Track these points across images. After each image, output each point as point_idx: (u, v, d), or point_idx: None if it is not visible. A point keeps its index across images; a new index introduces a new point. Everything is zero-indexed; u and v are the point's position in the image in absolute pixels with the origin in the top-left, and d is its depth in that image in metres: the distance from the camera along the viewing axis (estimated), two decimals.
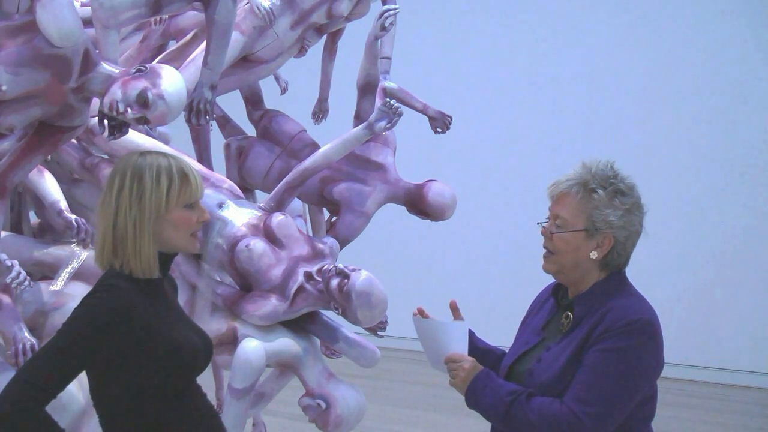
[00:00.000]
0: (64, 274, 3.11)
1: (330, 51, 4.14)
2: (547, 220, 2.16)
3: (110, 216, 1.95)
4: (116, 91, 2.61)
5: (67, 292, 3.06)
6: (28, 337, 2.70)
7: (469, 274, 8.15)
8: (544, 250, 2.16)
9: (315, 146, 3.70)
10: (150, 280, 1.98)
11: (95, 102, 2.84)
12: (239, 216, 3.22)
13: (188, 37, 3.68)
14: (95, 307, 1.88)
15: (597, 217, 2.07)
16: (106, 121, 2.71)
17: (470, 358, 2.15)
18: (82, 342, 1.85)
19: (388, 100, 3.30)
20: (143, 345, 1.90)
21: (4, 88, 2.50)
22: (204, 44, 3.10)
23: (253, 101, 4.02)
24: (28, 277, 2.67)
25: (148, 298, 1.96)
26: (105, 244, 1.96)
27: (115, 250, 1.94)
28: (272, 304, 3.04)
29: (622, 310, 2.03)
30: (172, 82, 2.62)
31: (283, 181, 3.34)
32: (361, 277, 2.93)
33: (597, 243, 2.08)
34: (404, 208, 3.75)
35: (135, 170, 1.95)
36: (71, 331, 1.87)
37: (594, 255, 2.08)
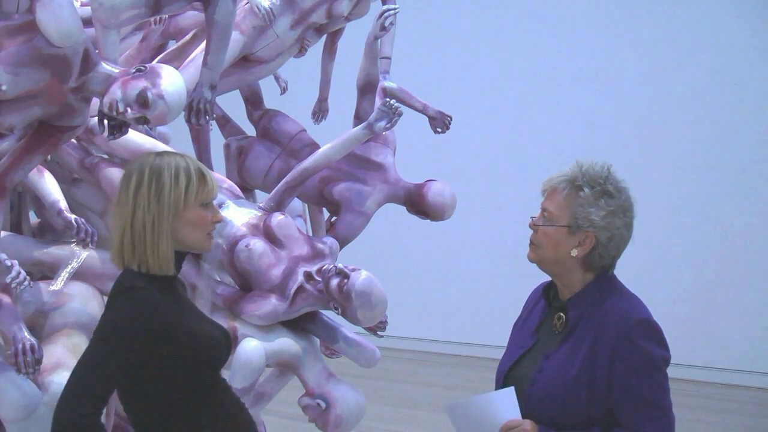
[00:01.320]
0: (64, 274, 3.11)
1: (330, 51, 4.14)
2: (539, 213, 2.19)
3: (127, 214, 1.98)
4: (116, 91, 2.60)
5: (67, 292, 3.06)
6: (28, 337, 2.69)
7: (468, 273, 8.15)
8: (530, 241, 2.19)
9: (315, 146, 3.69)
10: (166, 277, 2.01)
11: (95, 102, 2.84)
12: (239, 216, 3.22)
13: (188, 37, 3.67)
14: (125, 311, 1.91)
15: (580, 214, 2.08)
16: (106, 121, 2.71)
17: (527, 420, 2.06)
18: (121, 348, 1.89)
19: (387, 100, 3.30)
20: (171, 341, 1.94)
21: (4, 87, 2.50)
22: (204, 44, 3.10)
23: (253, 101, 4.02)
24: (28, 277, 2.67)
25: (167, 296, 2.00)
26: (123, 242, 1.99)
27: (133, 248, 1.97)
28: (272, 303, 3.04)
29: (620, 314, 2.05)
30: (172, 81, 2.62)
31: (283, 181, 3.34)
32: (361, 277, 2.93)
33: (579, 241, 2.10)
34: (404, 208, 3.75)
35: (153, 169, 1.99)
36: (108, 339, 1.90)
37: (574, 253, 2.10)
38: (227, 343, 2.13)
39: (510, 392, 2.09)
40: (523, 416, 2.06)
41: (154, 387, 1.96)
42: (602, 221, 2.07)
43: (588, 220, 2.08)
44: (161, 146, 3.29)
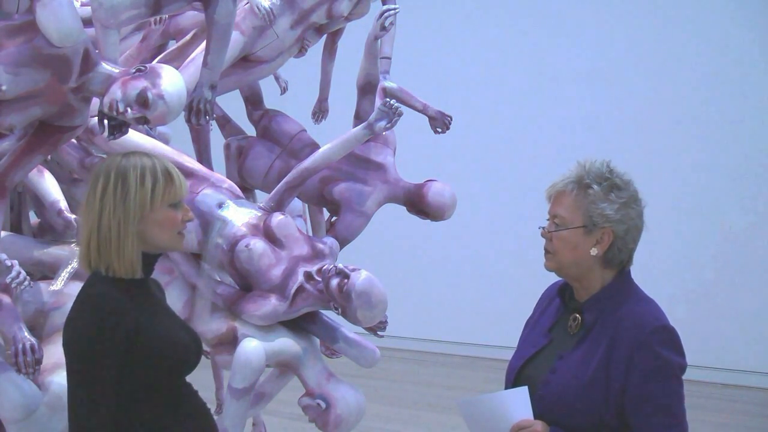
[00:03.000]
0: (64, 274, 3.11)
1: (330, 51, 4.14)
2: (547, 221, 2.17)
3: (94, 217, 1.95)
4: (116, 91, 2.60)
5: (67, 292, 3.06)
6: (28, 337, 2.69)
7: (469, 273, 8.15)
8: (545, 250, 2.16)
9: (315, 146, 3.69)
10: (134, 280, 1.99)
11: (95, 102, 2.84)
12: (239, 216, 3.22)
13: (188, 37, 3.67)
14: (94, 326, 1.89)
15: (594, 212, 2.07)
16: (106, 121, 2.70)
17: (539, 421, 2.05)
18: (102, 366, 1.88)
19: (388, 100, 3.30)
20: (135, 347, 1.92)
21: (4, 88, 2.50)
22: (204, 44, 3.10)
23: (253, 101, 4.02)
24: (28, 277, 2.67)
25: (135, 300, 1.97)
26: (90, 245, 1.96)
27: (99, 251, 1.95)
28: (272, 304, 3.04)
29: (638, 319, 2.04)
30: (172, 82, 2.61)
31: (283, 181, 3.34)
32: (361, 277, 2.93)
33: (596, 239, 2.08)
34: (404, 208, 3.75)
35: (119, 171, 1.96)
36: (83, 362, 1.89)
37: (594, 252, 2.08)
38: (197, 348, 2.10)
39: (523, 392, 2.08)
40: (535, 417, 2.06)
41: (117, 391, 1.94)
42: (617, 214, 2.07)
43: (603, 216, 2.07)
44: (161, 146, 3.29)
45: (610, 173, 2.11)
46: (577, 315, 2.13)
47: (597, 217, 2.07)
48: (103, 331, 1.88)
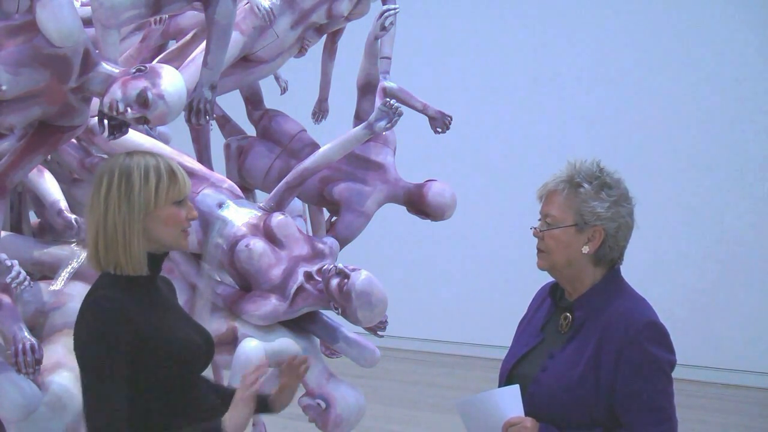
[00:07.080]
0: (64, 274, 3.11)
1: (330, 51, 4.14)
2: (539, 221, 2.19)
3: (100, 216, 1.97)
4: (116, 91, 2.60)
5: (67, 292, 3.06)
6: (28, 336, 2.69)
7: (469, 274, 8.15)
8: (537, 249, 2.18)
9: (315, 146, 3.70)
10: (142, 278, 2.00)
11: (95, 102, 2.84)
12: (239, 216, 3.22)
13: (188, 37, 3.67)
14: (98, 326, 1.90)
15: (585, 210, 2.09)
16: (106, 121, 2.71)
17: (529, 418, 2.07)
18: (107, 368, 1.89)
19: (388, 99, 3.31)
20: (143, 347, 1.92)
21: (4, 87, 2.50)
22: (204, 44, 3.10)
23: (253, 101, 4.02)
24: (28, 277, 2.67)
25: (143, 299, 1.98)
26: (97, 244, 1.98)
27: (107, 250, 1.96)
28: (272, 303, 3.04)
29: (627, 316, 2.05)
30: (172, 81, 2.62)
31: (283, 181, 3.34)
32: (361, 277, 2.94)
33: (588, 237, 2.10)
34: (404, 208, 3.75)
35: (122, 169, 1.98)
36: (93, 361, 1.90)
37: (586, 249, 2.10)
38: (208, 348, 2.11)
39: (514, 390, 2.10)
40: (526, 414, 2.07)
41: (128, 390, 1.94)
42: (608, 212, 2.09)
43: (594, 214, 2.09)
44: (161, 146, 3.29)
45: (601, 172, 2.13)
46: (568, 314, 2.15)
47: (588, 215, 2.09)
48: (110, 332, 1.89)
